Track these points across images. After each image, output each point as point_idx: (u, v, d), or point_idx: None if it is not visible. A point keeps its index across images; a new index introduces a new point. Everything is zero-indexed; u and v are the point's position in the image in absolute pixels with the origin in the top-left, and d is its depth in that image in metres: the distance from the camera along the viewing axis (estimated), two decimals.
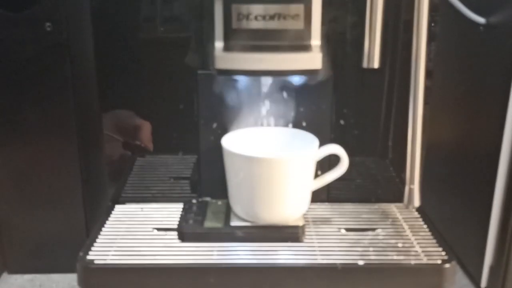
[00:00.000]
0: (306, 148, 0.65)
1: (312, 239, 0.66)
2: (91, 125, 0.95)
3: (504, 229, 0.81)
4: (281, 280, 0.61)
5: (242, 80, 0.69)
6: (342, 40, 0.73)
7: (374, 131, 0.77)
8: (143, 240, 0.66)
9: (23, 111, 0.82)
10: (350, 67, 0.72)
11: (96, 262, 0.62)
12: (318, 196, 0.72)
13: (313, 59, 0.63)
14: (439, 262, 0.62)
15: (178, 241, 0.66)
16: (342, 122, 0.73)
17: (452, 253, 0.63)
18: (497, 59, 0.81)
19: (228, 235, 0.66)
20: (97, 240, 0.66)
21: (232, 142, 0.68)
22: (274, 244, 0.65)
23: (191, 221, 0.67)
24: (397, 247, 0.65)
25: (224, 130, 0.69)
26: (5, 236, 0.88)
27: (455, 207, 0.95)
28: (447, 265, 0.61)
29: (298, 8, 0.63)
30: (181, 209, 0.71)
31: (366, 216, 0.72)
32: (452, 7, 0.87)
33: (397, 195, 0.72)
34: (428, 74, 0.63)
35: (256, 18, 0.63)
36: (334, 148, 0.66)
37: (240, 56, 0.63)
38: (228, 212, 0.69)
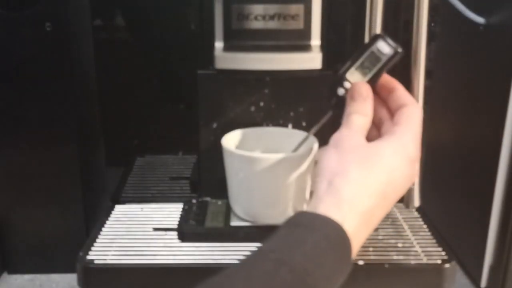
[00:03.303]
0: (306, 148, 0.65)
1: None
2: (91, 125, 0.95)
3: (504, 229, 0.81)
4: None
5: (242, 80, 0.69)
6: (342, 40, 0.72)
7: None
8: (143, 240, 0.66)
9: (23, 110, 0.82)
10: None
11: (96, 262, 0.61)
12: None
13: (313, 59, 0.63)
14: (439, 262, 0.62)
15: (178, 241, 0.66)
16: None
17: (452, 253, 0.63)
18: (497, 59, 0.81)
19: (228, 235, 0.66)
20: (97, 240, 0.66)
21: (232, 142, 0.68)
22: None
23: (191, 221, 0.67)
24: (397, 247, 0.65)
25: (224, 130, 0.69)
26: (5, 236, 0.88)
27: (455, 207, 0.95)
28: (447, 265, 0.61)
29: (298, 8, 0.63)
30: (181, 209, 0.71)
31: None
32: (452, 7, 0.87)
33: None
34: (428, 74, 0.63)
35: (256, 18, 0.63)
36: None
37: (240, 56, 0.63)
38: (228, 212, 0.69)
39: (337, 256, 0.43)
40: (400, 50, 0.53)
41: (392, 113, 0.54)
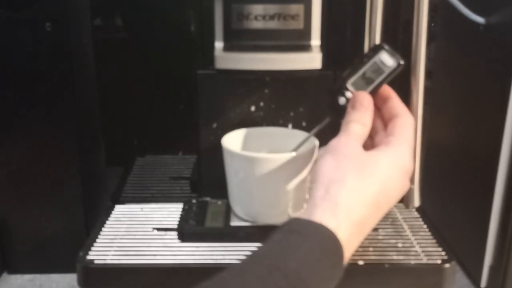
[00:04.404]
0: (306, 148, 0.65)
1: None
2: (91, 125, 0.95)
3: (504, 229, 0.81)
4: None
5: (242, 80, 0.69)
6: (342, 40, 0.72)
7: None
8: (143, 240, 0.66)
9: (23, 111, 0.82)
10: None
11: (96, 262, 0.62)
12: None
13: (313, 59, 0.63)
14: (439, 262, 0.62)
15: (178, 241, 0.66)
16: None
17: (452, 253, 0.63)
18: (497, 59, 0.81)
19: (228, 235, 0.66)
20: (97, 240, 0.66)
21: (232, 142, 0.68)
22: None
23: (191, 221, 0.67)
24: (397, 247, 0.65)
25: (224, 130, 0.69)
26: (5, 236, 0.88)
27: (455, 207, 0.95)
28: (447, 265, 0.61)
29: (298, 8, 0.63)
30: (181, 209, 0.71)
31: None
32: (452, 7, 0.87)
33: None
34: (428, 74, 0.63)
35: (256, 18, 0.63)
36: None
37: (240, 56, 0.63)
38: (228, 212, 0.69)
39: (329, 263, 0.43)
40: (402, 62, 0.54)
41: (385, 122, 0.54)
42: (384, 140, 0.52)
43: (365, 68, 0.54)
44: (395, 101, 0.54)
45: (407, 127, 0.52)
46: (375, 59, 0.54)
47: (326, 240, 0.44)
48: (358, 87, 0.54)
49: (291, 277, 0.41)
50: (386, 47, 0.54)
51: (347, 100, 0.54)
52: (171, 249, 0.64)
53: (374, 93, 0.54)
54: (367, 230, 0.48)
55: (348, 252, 0.46)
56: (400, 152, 0.50)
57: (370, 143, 0.53)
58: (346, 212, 0.46)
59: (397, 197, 0.50)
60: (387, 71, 0.54)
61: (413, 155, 0.52)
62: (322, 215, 0.45)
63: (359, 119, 0.52)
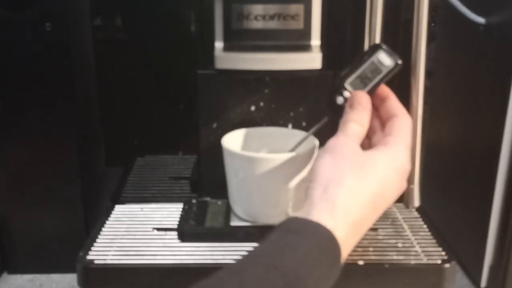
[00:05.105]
0: (306, 148, 0.65)
1: None
2: (91, 125, 0.95)
3: (504, 229, 0.82)
4: None
5: (242, 80, 0.69)
6: (342, 40, 0.72)
7: None
8: (143, 240, 0.66)
9: (23, 111, 0.82)
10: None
11: (96, 262, 0.62)
12: None
13: (313, 59, 0.63)
14: (439, 262, 0.62)
15: (178, 241, 0.66)
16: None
17: (452, 253, 0.63)
18: (497, 59, 0.81)
19: (228, 235, 0.66)
20: (97, 240, 0.66)
21: (232, 142, 0.68)
22: None
23: (191, 221, 0.67)
24: (397, 247, 0.65)
25: (224, 130, 0.69)
26: (5, 236, 0.88)
27: (455, 207, 0.95)
28: (447, 265, 0.61)
29: (298, 8, 0.63)
30: (181, 209, 0.71)
31: None
32: (452, 7, 0.87)
33: None
34: (428, 74, 0.63)
35: (256, 18, 0.63)
36: None
37: (240, 56, 0.63)
38: (228, 212, 0.69)
39: (327, 263, 0.44)
40: (400, 62, 0.54)
41: (382, 121, 0.54)
42: (382, 140, 0.52)
43: (363, 67, 0.54)
44: (393, 101, 0.54)
45: (404, 128, 0.52)
46: (373, 58, 0.54)
47: (324, 239, 0.44)
48: (356, 86, 0.55)
49: (289, 277, 0.41)
50: (384, 46, 0.54)
51: (345, 99, 0.55)
52: (171, 249, 0.64)
53: (372, 92, 0.54)
54: (364, 230, 0.48)
55: (345, 251, 0.46)
56: (397, 152, 0.50)
57: (367, 143, 0.53)
58: (344, 212, 0.46)
59: (394, 197, 0.50)
60: (385, 71, 0.54)
61: (410, 155, 0.52)
62: (320, 214, 0.45)
63: (357, 119, 0.52)
